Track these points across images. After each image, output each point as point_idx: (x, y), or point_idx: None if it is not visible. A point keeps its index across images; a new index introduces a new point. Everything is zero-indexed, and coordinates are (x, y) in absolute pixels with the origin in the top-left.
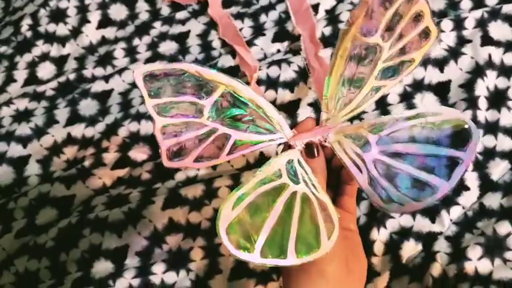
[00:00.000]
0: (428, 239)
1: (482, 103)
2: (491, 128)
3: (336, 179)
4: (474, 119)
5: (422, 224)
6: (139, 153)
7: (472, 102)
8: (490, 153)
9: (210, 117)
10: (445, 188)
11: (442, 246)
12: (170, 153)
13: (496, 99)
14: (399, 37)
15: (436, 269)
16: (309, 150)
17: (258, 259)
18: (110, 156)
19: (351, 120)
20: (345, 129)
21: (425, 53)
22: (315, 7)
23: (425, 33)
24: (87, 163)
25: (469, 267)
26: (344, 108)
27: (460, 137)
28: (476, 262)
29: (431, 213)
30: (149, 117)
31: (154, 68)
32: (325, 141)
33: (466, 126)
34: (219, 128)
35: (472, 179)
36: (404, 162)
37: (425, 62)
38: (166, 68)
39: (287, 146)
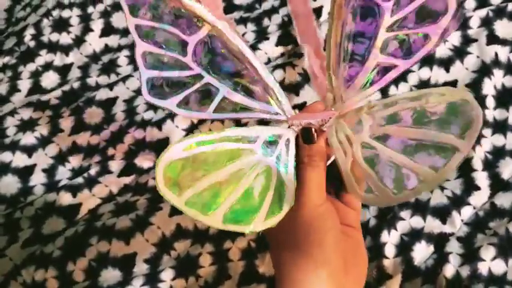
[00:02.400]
0: (440, 240)
1: (490, 102)
2: (500, 127)
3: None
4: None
5: (433, 225)
6: (145, 160)
7: (479, 102)
8: (499, 152)
9: (195, 59)
10: (432, 174)
11: (454, 247)
12: (151, 86)
13: (504, 97)
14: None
15: (449, 270)
16: (306, 134)
17: (181, 205)
18: (116, 164)
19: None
20: (345, 112)
21: (444, 30)
22: (319, 10)
23: (440, 3)
24: (93, 171)
25: (483, 268)
26: (349, 88)
27: (461, 122)
28: (490, 263)
29: (442, 214)
30: (155, 124)
31: None
32: (324, 125)
33: (470, 111)
34: (205, 76)
35: (482, 179)
36: (394, 148)
37: (431, 62)
38: None
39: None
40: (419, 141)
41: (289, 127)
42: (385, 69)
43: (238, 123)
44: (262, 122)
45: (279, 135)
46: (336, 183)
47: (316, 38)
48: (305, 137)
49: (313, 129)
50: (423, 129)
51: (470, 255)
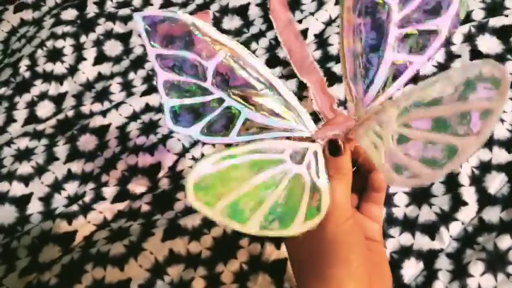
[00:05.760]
0: (429, 257)
1: None
2: (486, 141)
3: (362, 184)
4: None
5: (422, 242)
6: (138, 186)
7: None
8: (486, 167)
9: (215, 83)
10: (473, 143)
11: (443, 264)
12: (174, 115)
13: None
14: None
15: (438, 287)
16: (333, 147)
17: (215, 216)
18: (110, 190)
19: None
20: (370, 116)
21: (452, 22)
22: (304, 32)
23: None
24: (87, 198)
25: (472, 283)
26: (368, 91)
27: (486, 84)
28: (479, 278)
29: (431, 230)
30: (146, 149)
31: (154, 13)
32: (350, 133)
33: (493, 71)
34: (226, 100)
35: (470, 194)
36: (424, 128)
37: (415, 79)
38: (165, 14)
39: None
40: (448, 116)
41: (314, 141)
42: (401, 69)
43: None
44: None
45: (306, 148)
46: (356, 195)
47: (316, 70)
48: (332, 149)
49: (340, 141)
50: (449, 104)
51: (460, 271)
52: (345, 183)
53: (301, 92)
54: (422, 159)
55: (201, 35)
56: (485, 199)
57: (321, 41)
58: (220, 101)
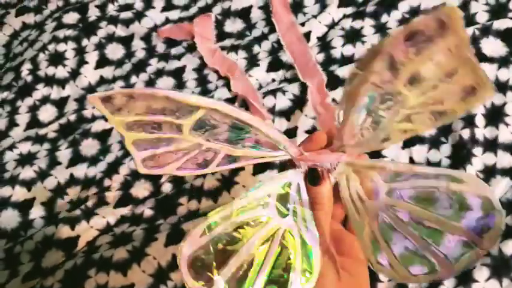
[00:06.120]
0: None
1: (480, 121)
2: (491, 145)
3: None
4: (472, 137)
5: None
6: (140, 190)
7: (469, 121)
8: (490, 171)
9: (192, 133)
10: (445, 272)
11: None
12: (147, 162)
13: (493, 116)
14: (430, 88)
15: None
16: (312, 175)
17: None
18: (113, 195)
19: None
20: (357, 164)
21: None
22: (307, 35)
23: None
24: (90, 203)
25: None
26: (362, 143)
27: (481, 218)
28: (484, 284)
29: None
30: None
31: (116, 92)
32: (334, 170)
33: (491, 207)
34: (204, 144)
35: None
36: (409, 226)
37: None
38: (132, 92)
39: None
40: (434, 224)
41: (295, 166)
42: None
43: None
44: None
45: (289, 184)
46: (342, 211)
47: (318, 72)
48: (310, 179)
49: (319, 171)
50: (440, 217)
51: (464, 277)
52: (323, 212)
53: (304, 95)
54: (402, 256)
55: (177, 102)
56: None
57: (324, 44)
58: (198, 145)
